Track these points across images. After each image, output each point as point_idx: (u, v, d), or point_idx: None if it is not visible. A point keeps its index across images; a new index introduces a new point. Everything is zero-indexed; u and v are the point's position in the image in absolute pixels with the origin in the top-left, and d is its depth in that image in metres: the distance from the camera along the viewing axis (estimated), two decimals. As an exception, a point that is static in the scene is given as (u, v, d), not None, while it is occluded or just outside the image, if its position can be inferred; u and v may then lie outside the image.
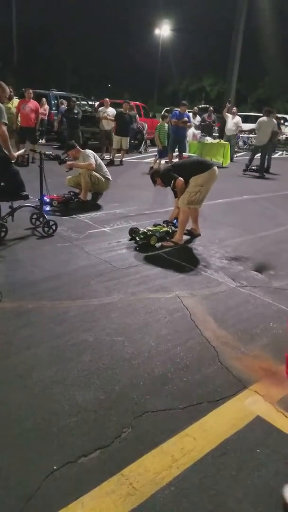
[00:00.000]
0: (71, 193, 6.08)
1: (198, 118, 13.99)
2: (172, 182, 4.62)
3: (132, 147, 13.48)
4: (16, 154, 4.40)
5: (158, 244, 4.55)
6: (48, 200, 5.14)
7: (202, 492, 1.64)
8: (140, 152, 13.70)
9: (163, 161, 10.41)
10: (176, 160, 10.64)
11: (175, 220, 4.96)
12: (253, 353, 2.61)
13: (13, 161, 4.36)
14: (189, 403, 2.12)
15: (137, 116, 13.63)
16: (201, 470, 1.73)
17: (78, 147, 6.12)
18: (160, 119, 10.84)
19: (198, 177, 4.50)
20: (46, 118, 13.05)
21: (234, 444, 1.88)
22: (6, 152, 4.21)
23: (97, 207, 6.09)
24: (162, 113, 11.35)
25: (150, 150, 13.90)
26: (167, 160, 10.50)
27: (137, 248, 4.42)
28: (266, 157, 10.85)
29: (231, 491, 1.65)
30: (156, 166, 9.91)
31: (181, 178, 4.54)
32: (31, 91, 9.33)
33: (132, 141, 13.33)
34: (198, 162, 4.87)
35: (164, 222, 5.10)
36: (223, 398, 2.17)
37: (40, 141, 12.00)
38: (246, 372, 2.42)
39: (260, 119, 10.54)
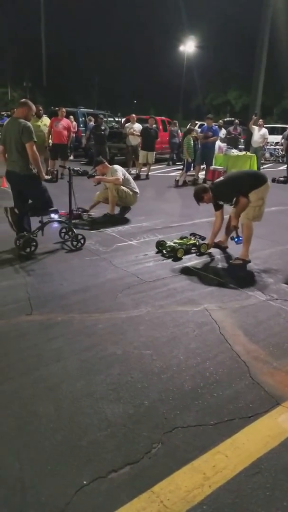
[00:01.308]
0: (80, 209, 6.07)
1: (223, 131, 14.01)
2: (235, 199, 4.38)
3: (176, 160, 14.16)
4: (46, 177, 4.53)
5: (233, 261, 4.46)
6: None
7: (236, 513, 1.58)
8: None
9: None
10: (203, 173, 10.67)
11: (236, 238, 4.52)
12: (286, 369, 2.53)
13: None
14: (220, 419, 2.07)
15: (179, 131, 13.99)
16: (234, 489, 1.68)
17: (106, 163, 6.23)
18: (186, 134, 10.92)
19: (258, 191, 4.36)
20: (74, 135, 13.43)
21: (268, 463, 1.81)
22: (37, 171, 4.37)
23: (124, 221, 6.15)
24: (188, 127, 11.43)
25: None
26: (193, 174, 10.53)
27: (164, 261, 4.42)
28: None
29: (266, 513, 1.59)
30: (182, 180, 9.98)
31: (245, 197, 4.30)
32: (64, 109, 9.61)
33: (170, 155, 14.38)
34: (256, 176, 4.61)
35: (191, 234, 5.09)
36: (255, 414, 2.11)
37: (69, 157, 12.33)
38: (279, 388, 2.34)
39: None
